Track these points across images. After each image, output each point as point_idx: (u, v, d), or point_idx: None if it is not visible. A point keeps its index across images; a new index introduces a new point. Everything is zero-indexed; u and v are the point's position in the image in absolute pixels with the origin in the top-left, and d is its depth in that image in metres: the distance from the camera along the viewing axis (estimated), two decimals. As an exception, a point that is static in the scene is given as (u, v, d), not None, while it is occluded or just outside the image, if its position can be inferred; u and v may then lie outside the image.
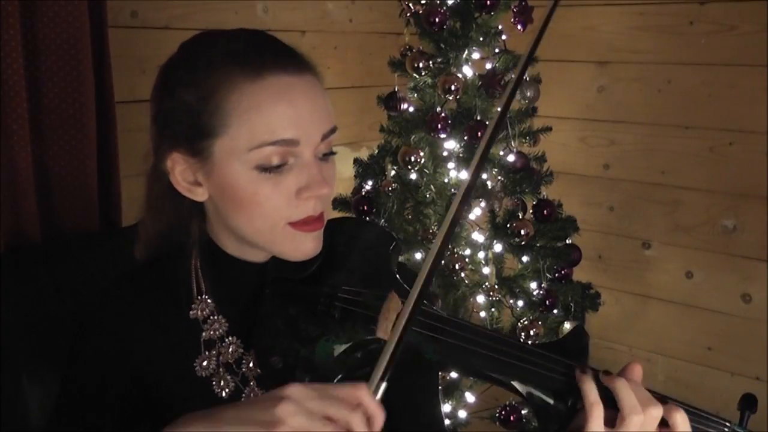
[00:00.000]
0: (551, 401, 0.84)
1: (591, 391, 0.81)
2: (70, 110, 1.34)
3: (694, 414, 0.84)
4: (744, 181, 2.06)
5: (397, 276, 0.95)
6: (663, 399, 0.83)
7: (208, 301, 0.95)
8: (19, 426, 1.15)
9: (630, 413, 0.79)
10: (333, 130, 0.89)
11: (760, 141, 2.01)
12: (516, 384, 0.86)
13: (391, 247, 0.98)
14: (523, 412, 1.90)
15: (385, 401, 1.05)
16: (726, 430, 0.84)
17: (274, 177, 0.85)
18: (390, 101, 1.94)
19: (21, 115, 1.25)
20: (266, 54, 0.86)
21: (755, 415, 0.87)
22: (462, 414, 1.99)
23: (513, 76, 0.80)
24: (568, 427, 0.85)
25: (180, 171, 0.89)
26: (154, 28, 1.70)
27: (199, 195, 0.90)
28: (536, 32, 0.86)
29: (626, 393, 0.80)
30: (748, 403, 0.87)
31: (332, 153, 0.91)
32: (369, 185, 1.95)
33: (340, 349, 0.87)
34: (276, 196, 0.85)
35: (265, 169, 0.84)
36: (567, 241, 1.91)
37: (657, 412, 0.80)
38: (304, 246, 0.89)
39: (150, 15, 1.69)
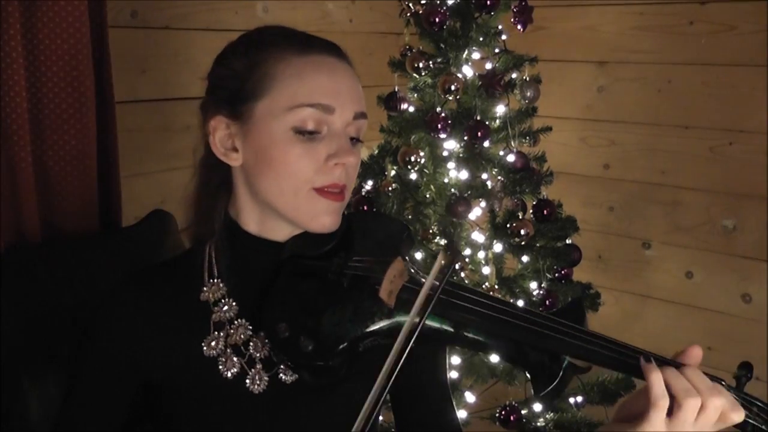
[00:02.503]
0: (547, 361, 0.85)
1: (658, 383, 0.79)
2: (70, 110, 1.34)
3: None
4: (744, 181, 2.06)
5: (407, 259, 0.97)
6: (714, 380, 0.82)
7: (220, 284, 0.98)
8: (19, 426, 1.15)
9: (685, 396, 0.78)
10: (364, 114, 0.96)
11: (760, 141, 2.01)
12: (510, 343, 0.87)
13: (404, 235, 1.02)
14: (523, 412, 1.90)
15: (397, 399, 1.06)
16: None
17: (307, 142, 0.91)
18: (390, 101, 1.94)
19: (21, 115, 1.25)
20: (314, 39, 0.96)
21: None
22: (462, 414, 1.99)
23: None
24: (563, 388, 0.85)
25: (220, 136, 0.95)
26: (154, 28, 1.70)
27: (233, 160, 0.95)
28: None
29: (675, 377, 0.79)
30: (746, 369, 0.89)
31: (360, 140, 0.97)
32: (369, 185, 1.95)
33: (345, 320, 0.89)
34: (306, 159, 0.91)
35: (300, 132, 0.90)
36: (567, 241, 1.91)
37: (719, 401, 0.78)
38: (323, 217, 0.93)
39: (150, 15, 1.69)
